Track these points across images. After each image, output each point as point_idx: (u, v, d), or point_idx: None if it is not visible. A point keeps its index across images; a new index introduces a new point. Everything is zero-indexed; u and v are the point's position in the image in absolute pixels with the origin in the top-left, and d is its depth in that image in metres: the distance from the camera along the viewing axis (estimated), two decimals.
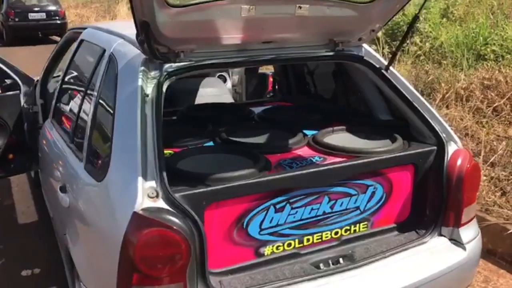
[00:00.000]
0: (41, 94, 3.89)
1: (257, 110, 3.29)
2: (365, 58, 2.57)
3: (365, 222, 2.40)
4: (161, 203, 1.85)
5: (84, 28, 3.30)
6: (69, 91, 3.21)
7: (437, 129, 2.47)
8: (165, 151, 2.41)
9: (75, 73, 3.24)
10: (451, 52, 6.49)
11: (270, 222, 2.16)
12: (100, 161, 2.23)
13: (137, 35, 2.06)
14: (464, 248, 2.40)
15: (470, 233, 2.47)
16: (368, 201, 2.38)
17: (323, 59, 2.65)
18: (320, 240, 2.30)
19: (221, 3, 1.98)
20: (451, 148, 2.44)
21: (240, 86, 5.01)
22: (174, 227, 1.81)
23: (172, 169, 2.12)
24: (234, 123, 2.93)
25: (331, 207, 2.29)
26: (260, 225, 2.14)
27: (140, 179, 1.86)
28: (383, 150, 2.42)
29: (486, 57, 6.18)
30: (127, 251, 1.81)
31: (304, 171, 2.19)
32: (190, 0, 1.99)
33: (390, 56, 2.60)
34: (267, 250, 2.19)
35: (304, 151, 2.52)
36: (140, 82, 2.10)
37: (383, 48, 6.74)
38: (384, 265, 2.25)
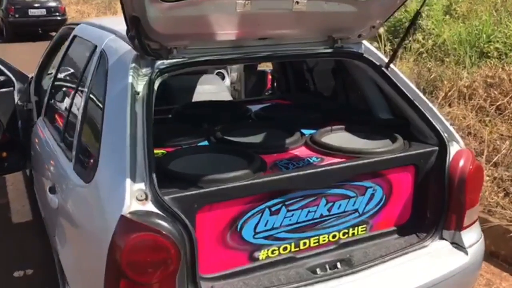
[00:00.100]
0: (36, 91, 3.83)
1: (255, 108, 3.22)
2: (364, 55, 2.50)
3: (364, 225, 2.33)
4: (150, 206, 1.79)
5: (78, 24, 3.23)
6: (61, 89, 3.15)
7: (438, 128, 2.39)
8: (158, 151, 2.35)
9: (67, 70, 3.17)
10: (454, 49, 6.44)
11: (265, 225, 2.09)
12: (88, 162, 2.16)
13: (127, 31, 1.99)
14: (466, 252, 2.33)
15: (472, 236, 2.39)
16: (367, 203, 2.31)
17: (321, 56, 2.58)
18: (317, 243, 2.23)
19: None
20: (453, 149, 2.37)
21: (239, 83, 4.95)
22: (163, 232, 1.74)
23: (164, 170, 2.05)
24: (230, 122, 2.86)
25: (329, 210, 2.22)
26: (255, 228, 2.07)
27: (128, 181, 1.79)
28: (383, 151, 2.34)
29: (489, 54, 6.13)
30: (114, 256, 1.74)
31: (301, 172, 2.12)
32: None
33: (392, 53, 2.53)
34: (261, 255, 2.12)
35: (301, 151, 2.44)
36: (130, 79, 2.03)
37: (385, 45, 6.68)
38: (383, 269, 2.18)
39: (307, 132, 2.66)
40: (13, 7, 15.38)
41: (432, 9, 7.68)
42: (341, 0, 2.16)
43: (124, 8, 1.84)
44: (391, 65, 2.50)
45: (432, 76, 5.87)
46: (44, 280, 3.21)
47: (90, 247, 2.00)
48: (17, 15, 15.36)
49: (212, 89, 4.22)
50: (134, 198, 1.78)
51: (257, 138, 2.64)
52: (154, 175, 1.83)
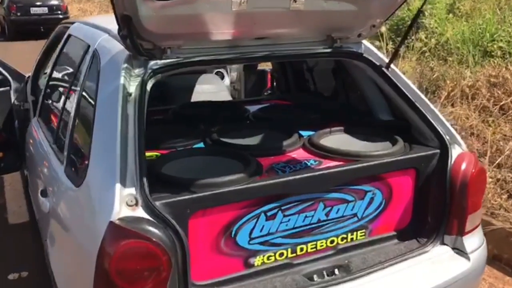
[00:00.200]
0: (32, 91, 3.78)
1: (253, 108, 3.16)
2: (364, 55, 2.44)
3: (363, 230, 2.27)
4: (140, 212, 1.73)
5: (73, 23, 3.18)
6: (54, 89, 3.10)
7: (440, 130, 2.33)
8: (152, 153, 2.30)
9: (60, 70, 3.13)
10: (457, 48, 6.37)
11: (261, 230, 2.04)
12: (79, 165, 2.11)
13: (119, 30, 1.93)
14: (468, 258, 2.28)
15: (474, 241, 2.33)
16: (366, 207, 2.25)
17: (320, 57, 2.52)
18: (314, 249, 2.17)
19: None
20: (455, 151, 2.31)
21: (238, 83, 4.89)
22: (154, 239, 1.68)
23: (156, 173, 2.00)
24: (227, 123, 2.80)
25: (327, 214, 2.16)
26: (250, 234, 2.02)
27: (118, 185, 1.74)
28: (383, 154, 2.28)
29: (492, 54, 6.07)
30: (103, 263, 1.69)
31: (298, 176, 2.06)
32: None
33: (392, 53, 2.47)
34: (257, 261, 2.06)
35: (298, 154, 2.38)
36: (122, 80, 1.98)
37: (387, 45, 6.61)
38: (382, 276, 2.13)
39: (305, 133, 2.60)
40: (15, 5, 15.37)
41: (435, 8, 7.61)
42: None
43: (114, 6, 1.78)
44: (392, 65, 2.44)
45: (434, 76, 5.81)
46: (39, 283, 3.15)
47: (79, 253, 1.94)
48: (19, 14, 15.35)
49: (211, 88, 4.17)
50: (124, 203, 1.72)
51: (254, 140, 2.58)
52: (145, 179, 1.78)
